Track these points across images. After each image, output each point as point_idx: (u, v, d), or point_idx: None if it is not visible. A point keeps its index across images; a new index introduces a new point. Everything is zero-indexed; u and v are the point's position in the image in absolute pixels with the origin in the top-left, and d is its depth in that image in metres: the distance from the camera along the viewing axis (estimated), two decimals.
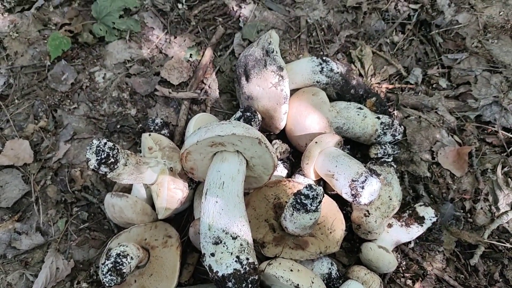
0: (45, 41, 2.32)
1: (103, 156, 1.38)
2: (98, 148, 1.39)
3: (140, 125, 2.02)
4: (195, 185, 1.83)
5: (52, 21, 2.39)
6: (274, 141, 1.92)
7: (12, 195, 1.96)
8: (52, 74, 2.23)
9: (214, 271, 1.35)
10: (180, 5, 2.42)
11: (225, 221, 1.40)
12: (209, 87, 2.22)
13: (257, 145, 1.47)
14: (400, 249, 1.80)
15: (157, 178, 1.63)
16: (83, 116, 2.15)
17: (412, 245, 1.80)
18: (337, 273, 1.66)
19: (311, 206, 1.44)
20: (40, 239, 1.89)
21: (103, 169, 1.38)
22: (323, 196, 1.46)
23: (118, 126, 2.12)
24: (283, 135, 1.99)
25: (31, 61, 2.27)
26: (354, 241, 1.82)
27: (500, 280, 1.75)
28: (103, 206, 1.91)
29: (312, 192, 1.44)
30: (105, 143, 1.40)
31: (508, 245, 1.79)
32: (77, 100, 2.19)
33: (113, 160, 1.40)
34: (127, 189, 1.86)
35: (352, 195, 1.59)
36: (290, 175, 1.91)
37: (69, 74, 2.23)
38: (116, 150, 1.41)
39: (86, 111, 2.17)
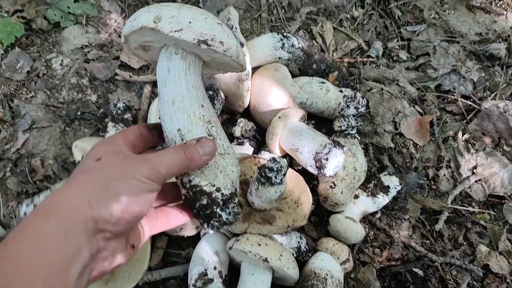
0: None
1: None
2: None
3: (102, 110, 1.97)
4: None
5: (3, 8, 2.29)
6: (239, 120, 1.90)
7: None
8: (6, 62, 2.15)
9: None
10: None
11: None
12: None
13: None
14: (367, 219, 1.82)
15: None
16: (41, 104, 2.08)
17: (379, 215, 1.83)
18: (306, 247, 1.67)
19: (276, 179, 1.43)
20: (1, 232, 1.82)
21: None
22: (287, 169, 1.46)
23: (79, 113, 2.06)
24: (247, 114, 1.98)
25: None
26: (322, 215, 1.83)
27: (465, 243, 1.79)
28: None
29: (276, 164, 1.43)
30: (25, 214, 1.55)
31: (470, 209, 1.84)
32: (34, 88, 2.12)
33: None
34: None
35: (317, 167, 1.60)
36: (256, 153, 1.91)
37: (24, 62, 2.16)
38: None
39: (44, 99, 2.10)
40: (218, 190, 1.05)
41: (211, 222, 1.06)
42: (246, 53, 1.76)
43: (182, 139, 1.06)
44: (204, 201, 1.03)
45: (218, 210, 1.04)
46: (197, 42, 0.99)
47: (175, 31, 0.98)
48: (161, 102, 1.10)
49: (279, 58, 1.94)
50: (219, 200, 1.04)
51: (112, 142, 0.99)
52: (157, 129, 1.14)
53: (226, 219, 1.06)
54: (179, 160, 0.93)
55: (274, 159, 1.45)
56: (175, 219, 1.12)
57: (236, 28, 1.78)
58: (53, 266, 0.71)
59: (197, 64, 1.13)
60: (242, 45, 1.75)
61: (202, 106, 1.10)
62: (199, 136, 1.05)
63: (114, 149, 0.95)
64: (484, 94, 2.07)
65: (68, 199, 0.80)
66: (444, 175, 1.91)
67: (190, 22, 1.00)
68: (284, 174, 1.45)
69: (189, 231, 1.70)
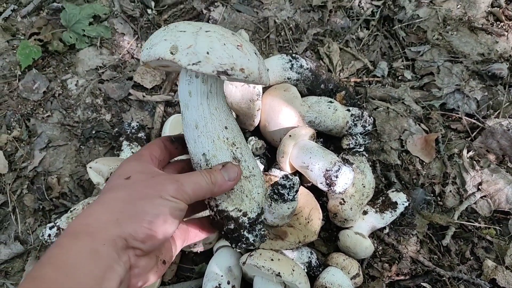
0: (14, 51, 2.31)
1: None
2: (47, 243, 1.60)
3: (116, 129, 2.03)
4: None
5: (20, 31, 2.38)
6: (250, 138, 1.96)
7: None
8: (23, 83, 2.22)
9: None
10: (149, 11, 2.45)
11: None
12: None
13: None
14: (376, 235, 1.86)
15: None
16: (57, 123, 2.15)
17: (387, 230, 1.87)
18: (317, 261, 1.71)
19: (289, 195, 1.48)
20: (20, 248, 1.87)
21: None
22: (300, 186, 1.51)
23: (93, 132, 2.13)
24: (257, 132, 2.04)
25: (0, 71, 2.26)
26: (332, 231, 1.87)
27: (471, 258, 1.83)
28: None
29: (288, 182, 1.48)
30: (49, 235, 1.60)
31: (477, 224, 1.88)
32: (50, 108, 2.19)
33: None
34: None
35: (327, 184, 1.64)
36: (266, 171, 1.96)
37: (41, 82, 2.23)
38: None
39: (60, 118, 2.17)
40: (244, 214, 1.07)
41: (239, 244, 1.09)
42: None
43: (207, 164, 1.07)
44: (232, 226, 1.06)
45: (245, 233, 1.07)
46: (216, 73, 0.95)
47: (193, 64, 0.93)
48: (185, 125, 1.10)
49: (288, 78, 2.00)
50: (246, 224, 1.07)
51: (139, 159, 1.01)
52: (180, 140, 1.15)
53: (253, 241, 1.09)
54: (204, 184, 0.95)
55: (286, 177, 1.50)
56: (207, 230, 1.15)
57: None
58: (85, 283, 0.73)
59: (219, 85, 1.10)
60: None
61: (226, 128, 1.10)
62: (224, 161, 1.06)
63: (142, 167, 0.98)
64: (488, 112, 2.12)
65: (97, 219, 0.82)
66: (450, 191, 1.96)
67: (208, 53, 0.94)
68: (297, 191, 1.50)
69: (202, 247, 1.74)
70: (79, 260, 0.75)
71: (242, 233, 1.06)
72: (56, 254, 0.76)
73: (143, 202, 0.85)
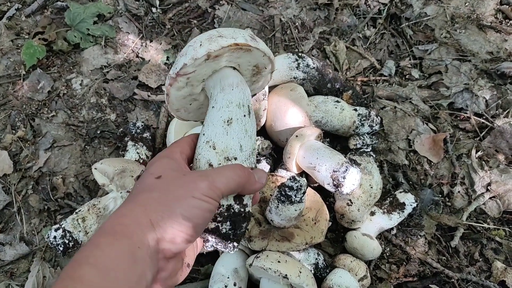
0: (19, 51, 2.30)
1: (61, 249, 1.58)
2: (53, 245, 1.58)
3: (121, 129, 2.02)
4: None
5: (25, 30, 2.37)
6: (255, 138, 1.94)
7: None
8: (28, 83, 2.21)
9: None
10: (154, 9, 2.43)
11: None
12: None
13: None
14: (383, 236, 1.84)
15: None
16: (62, 123, 2.14)
17: (394, 231, 1.85)
18: (324, 263, 1.69)
19: (296, 197, 1.47)
20: (25, 249, 1.87)
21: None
22: (307, 187, 1.50)
23: (98, 132, 2.11)
24: (263, 132, 2.02)
25: (5, 71, 2.25)
26: (339, 232, 1.86)
27: (480, 259, 1.81)
28: None
29: (296, 183, 1.47)
30: (54, 237, 1.59)
31: (485, 225, 1.85)
32: (54, 108, 2.18)
33: (73, 243, 1.58)
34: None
35: (334, 185, 1.63)
36: (272, 171, 1.94)
37: (45, 82, 2.22)
38: (69, 237, 1.59)
39: (65, 118, 2.16)
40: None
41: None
42: None
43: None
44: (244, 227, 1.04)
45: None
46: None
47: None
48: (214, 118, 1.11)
49: (294, 77, 1.98)
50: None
51: (170, 157, 1.00)
52: None
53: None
54: (237, 178, 0.95)
55: (294, 178, 1.48)
56: None
57: None
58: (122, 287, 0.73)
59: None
60: None
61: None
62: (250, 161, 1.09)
63: (173, 165, 0.97)
64: (497, 112, 2.10)
65: (133, 219, 0.82)
66: (459, 192, 1.93)
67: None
68: (304, 193, 1.48)
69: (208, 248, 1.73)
70: (118, 264, 0.75)
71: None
72: (94, 255, 0.76)
73: (176, 203, 0.85)
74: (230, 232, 0.99)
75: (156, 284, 0.85)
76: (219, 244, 1.01)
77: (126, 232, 0.79)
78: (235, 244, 1.01)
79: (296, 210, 1.50)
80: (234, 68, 1.17)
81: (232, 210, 0.99)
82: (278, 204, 1.50)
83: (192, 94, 1.18)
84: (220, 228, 0.98)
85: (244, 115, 1.10)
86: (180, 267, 0.93)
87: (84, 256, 0.76)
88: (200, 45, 1.02)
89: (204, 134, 1.08)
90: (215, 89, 1.12)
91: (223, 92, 1.11)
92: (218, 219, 0.98)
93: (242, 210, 1.01)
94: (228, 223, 0.99)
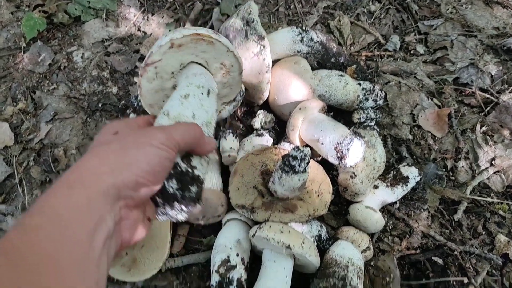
0: (19, 23, 2.28)
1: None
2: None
3: (123, 102, 2.00)
4: None
5: (24, 3, 2.34)
6: (258, 112, 1.92)
7: None
8: (29, 55, 2.19)
9: None
10: None
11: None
12: None
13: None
14: (386, 209, 1.84)
15: None
16: (63, 96, 2.12)
17: (398, 205, 1.84)
18: (327, 235, 1.69)
19: (299, 167, 1.46)
20: None
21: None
22: (310, 157, 1.48)
23: (100, 105, 2.10)
24: (266, 106, 2.00)
25: (5, 43, 2.23)
26: (342, 204, 1.85)
27: (484, 232, 1.81)
28: None
29: (300, 153, 1.45)
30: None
31: (489, 199, 1.85)
32: (56, 80, 2.16)
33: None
34: None
35: (338, 157, 1.61)
36: (276, 144, 1.93)
37: (46, 55, 2.20)
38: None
39: (66, 91, 2.14)
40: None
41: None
42: (266, 45, 1.78)
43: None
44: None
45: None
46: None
47: None
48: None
49: (298, 51, 1.96)
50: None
51: (126, 121, 1.04)
52: None
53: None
54: (192, 132, 0.98)
55: (298, 148, 1.47)
56: None
57: (256, 21, 1.80)
58: (78, 234, 0.72)
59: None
60: (262, 38, 1.77)
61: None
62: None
63: (128, 124, 1.01)
64: (502, 87, 2.08)
65: (90, 169, 0.81)
66: (463, 166, 1.92)
67: None
68: (308, 163, 1.47)
69: (211, 219, 1.73)
70: (73, 212, 0.73)
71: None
72: (49, 204, 0.74)
73: (135, 151, 0.85)
74: (176, 192, 0.96)
75: (120, 233, 0.84)
76: (167, 207, 0.97)
77: (84, 181, 0.78)
78: (183, 207, 0.98)
79: (299, 180, 1.49)
80: (202, 66, 1.25)
81: (179, 168, 0.98)
82: (282, 174, 1.49)
83: (164, 89, 1.24)
84: (167, 186, 0.95)
85: (202, 93, 1.15)
86: (142, 219, 0.92)
87: (38, 206, 0.75)
88: (166, 35, 1.14)
89: (161, 109, 1.11)
90: (180, 78, 1.21)
91: (186, 79, 1.18)
92: (166, 177, 0.97)
93: (190, 170, 1.00)
94: (174, 180, 0.96)
